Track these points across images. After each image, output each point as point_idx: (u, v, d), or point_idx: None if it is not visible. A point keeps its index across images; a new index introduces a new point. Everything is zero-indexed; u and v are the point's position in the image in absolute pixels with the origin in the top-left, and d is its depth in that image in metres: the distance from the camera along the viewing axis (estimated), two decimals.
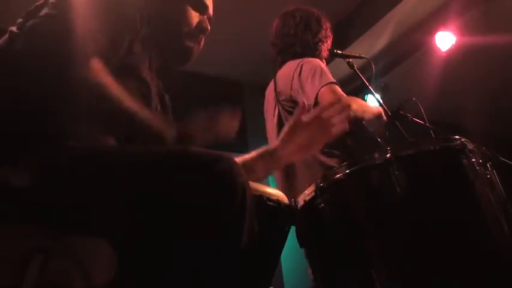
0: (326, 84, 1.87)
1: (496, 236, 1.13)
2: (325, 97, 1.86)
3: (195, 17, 1.26)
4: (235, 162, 0.88)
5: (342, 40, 2.54)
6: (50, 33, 0.90)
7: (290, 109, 2.04)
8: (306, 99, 1.94)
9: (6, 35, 0.95)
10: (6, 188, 0.78)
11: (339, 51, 2.20)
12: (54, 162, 0.83)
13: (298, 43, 2.11)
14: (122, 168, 0.85)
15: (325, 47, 2.16)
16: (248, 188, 0.87)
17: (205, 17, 1.29)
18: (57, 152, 0.84)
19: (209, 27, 1.28)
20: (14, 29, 0.94)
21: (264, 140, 2.58)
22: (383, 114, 2.01)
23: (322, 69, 1.94)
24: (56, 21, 0.91)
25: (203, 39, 1.30)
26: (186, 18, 1.24)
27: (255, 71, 3.83)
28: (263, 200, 1.13)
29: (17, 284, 0.72)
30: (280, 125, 2.07)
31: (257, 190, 1.09)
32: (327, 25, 2.17)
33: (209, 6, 1.31)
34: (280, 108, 2.08)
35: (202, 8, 1.28)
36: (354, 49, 3.73)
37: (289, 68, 2.06)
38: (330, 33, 2.19)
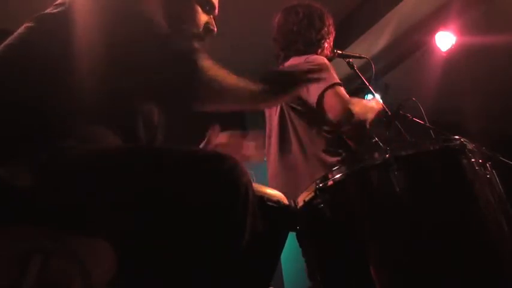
0: (330, 86, 1.87)
1: (495, 236, 1.13)
2: (328, 100, 1.86)
3: (203, 17, 1.24)
4: (238, 162, 0.88)
5: (342, 40, 2.54)
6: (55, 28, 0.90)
7: (294, 105, 2.04)
8: (310, 98, 1.94)
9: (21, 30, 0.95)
10: (6, 188, 0.78)
11: (339, 51, 2.19)
12: (54, 162, 0.83)
13: (300, 40, 2.10)
14: (123, 168, 0.85)
15: (328, 43, 2.15)
16: (251, 188, 0.87)
17: (211, 16, 1.28)
18: (57, 152, 0.84)
19: (216, 29, 1.27)
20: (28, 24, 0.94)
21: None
22: (385, 108, 1.98)
23: (327, 67, 1.94)
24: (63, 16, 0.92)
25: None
26: (195, 19, 1.22)
27: (255, 71, 3.83)
28: (263, 200, 1.13)
29: (17, 284, 0.72)
30: (282, 120, 2.07)
31: (257, 191, 1.10)
32: (329, 21, 2.16)
33: (216, 6, 1.29)
34: (283, 103, 2.08)
35: (210, 8, 1.26)
36: (354, 49, 3.73)
37: (293, 64, 2.06)
38: (332, 30, 2.18)
